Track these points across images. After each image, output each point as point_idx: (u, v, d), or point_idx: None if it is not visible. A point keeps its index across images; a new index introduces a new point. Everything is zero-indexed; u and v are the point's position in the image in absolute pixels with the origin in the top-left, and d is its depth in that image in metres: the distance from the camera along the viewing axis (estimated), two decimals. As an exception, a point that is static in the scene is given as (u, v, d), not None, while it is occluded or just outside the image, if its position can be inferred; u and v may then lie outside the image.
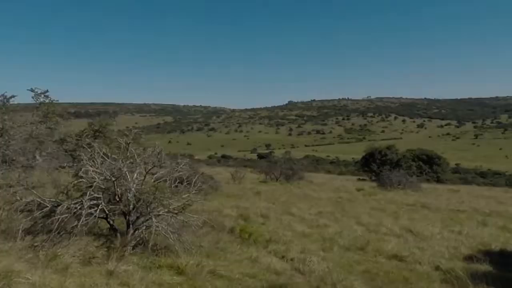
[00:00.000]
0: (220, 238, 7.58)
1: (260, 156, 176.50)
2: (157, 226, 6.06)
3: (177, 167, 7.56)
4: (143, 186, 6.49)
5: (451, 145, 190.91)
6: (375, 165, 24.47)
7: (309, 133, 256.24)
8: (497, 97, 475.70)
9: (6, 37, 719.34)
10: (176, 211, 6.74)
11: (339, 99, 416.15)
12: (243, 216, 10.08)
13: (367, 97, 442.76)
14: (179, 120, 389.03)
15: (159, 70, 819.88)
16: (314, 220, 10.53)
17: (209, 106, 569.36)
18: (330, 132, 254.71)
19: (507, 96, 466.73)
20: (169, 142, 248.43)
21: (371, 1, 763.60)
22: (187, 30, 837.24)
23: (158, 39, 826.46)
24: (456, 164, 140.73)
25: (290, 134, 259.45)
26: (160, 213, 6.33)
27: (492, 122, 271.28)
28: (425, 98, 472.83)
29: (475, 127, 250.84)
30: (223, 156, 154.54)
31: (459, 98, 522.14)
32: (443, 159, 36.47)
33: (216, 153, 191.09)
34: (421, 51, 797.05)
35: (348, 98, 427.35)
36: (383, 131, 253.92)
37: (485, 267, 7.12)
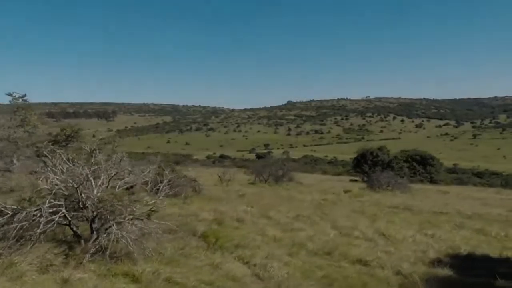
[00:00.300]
0: (186, 244, 7.65)
1: (258, 156, 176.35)
2: (117, 233, 6.13)
3: (143, 173, 7.59)
4: (105, 193, 6.55)
5: (449, 145, 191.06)
6: (367, 166, 24.54)
7: (307, 133, 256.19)
8: (495, 97, 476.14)
9: (4, 37, 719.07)
10: (141, 218, 6.79)
11: (338, 99, 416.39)
12: (218, 221, 10.15)
13: (366, 97, 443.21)
14: (178, 120, 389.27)
15: (159, 70, 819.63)
16: (289, 224, 10.62)
17: (208, 106, 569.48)
18: (329, 132, 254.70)
19: (506, 96, 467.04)
20: (168, 142, 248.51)
21: (371, 1, 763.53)
22: (187, 30, 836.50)
23: (158, 39, 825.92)
24: (454, 164, 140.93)
25: (288, 134, 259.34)
26: (122, 220, 6.38)
27: (490, 122, 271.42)
28: (423, 98, 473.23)
29: (473, 127, 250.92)
30: (221, 156, 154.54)
31: (458, 98, 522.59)
32: (436, 160, 36.63)
33: (214, 153, 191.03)
34: (420, 51, 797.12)
35: (347, 98, 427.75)
36: (381, 131, 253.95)
37: (445, 271, 7.21)
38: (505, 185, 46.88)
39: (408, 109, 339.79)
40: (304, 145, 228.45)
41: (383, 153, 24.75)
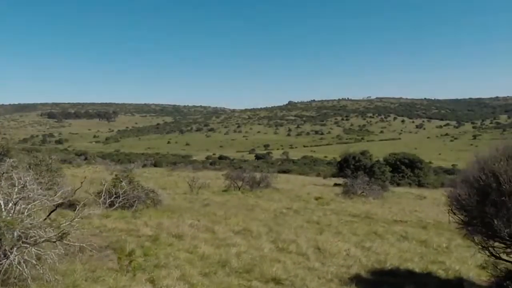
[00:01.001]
0: (103, 265, 7.75)
1: (258, 157, 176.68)
2: (14, 258, 6.24)
3: (54, 195, 7.71)
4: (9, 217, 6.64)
5: (449, 145, 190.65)
6: (349, 171, 24.64)
7: (308, 133, 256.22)
8: (497, 97, 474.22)
9: (5, 37, 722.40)
10: (52, 240, 6.89)
11: (338, 99, 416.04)
12: (154, 237, 10.26)
13: (367, 97, 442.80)
14: (179, 120, 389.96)
15: (160, 70, 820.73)
16: (228, 239, 10.73)
17: (209, 107, 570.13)
18: (329, 132, 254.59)
19: (507, 96, 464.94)
20: (168, 142, 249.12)
21: (372, 1, 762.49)
22: (190, 30, 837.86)
23: (160, 38, 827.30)
24: (452, 165, 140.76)
25: (289, 135, 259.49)
26: (22, 243, 6.48)
27: (491, 123, 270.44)
28: (424, 98, 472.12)
29: (474, 127, 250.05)
30: (220, 157, 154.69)
31: (459, 98, 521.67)
32: (425, 163, 36.73)
33: (214, 154, 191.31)
34: (422, 51, 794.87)
35: (348, 98, 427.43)
36: (382, 132, 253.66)
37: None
38: None
39: (409, 109, 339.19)
40: (304, 146, 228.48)
41: (365, 158, 24.87)
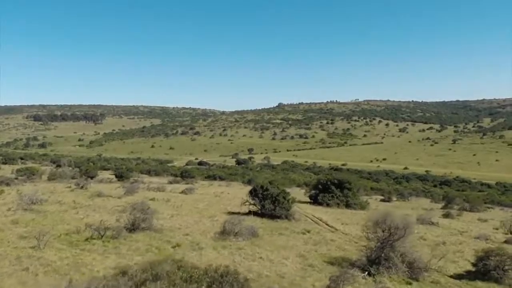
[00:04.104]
0: None
1: (239, 162, 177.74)
2: None
3: None
4: None
5: (428, 150, 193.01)
6: (258, 199, 25.59)
7: (292, 137, 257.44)
8: (483, 99, 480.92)
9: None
10: None
11: (326, 102, 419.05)
12: None
13: (355, 99, 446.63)
14: (167, 122, 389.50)
15: (149, 72, 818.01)
16: None
17: (198, 109, 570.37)
18: (313, 136, 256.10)
19: (493, 99, 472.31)
20: (152, 146, 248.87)
21: (361, 4, 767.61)
22: (180, 32, 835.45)
23: (150, 40, 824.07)
24: (425, 171, 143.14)
25: (273, 139, 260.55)
26: None
27: (473, 126, 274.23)
28: (412, 100, 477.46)
29: (455, 131, 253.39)
30: (200, 163, 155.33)
31: (446, 100, 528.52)
32: (353, 184, 37.89)
33: (197, 158, 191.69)
34: (411, 54, 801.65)
35: (336, 101, 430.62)
36: (365, 136, 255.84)
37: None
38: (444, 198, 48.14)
39: (394, 112, 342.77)
40: (288, 150, 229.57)
41: (272, 187, 25.76)
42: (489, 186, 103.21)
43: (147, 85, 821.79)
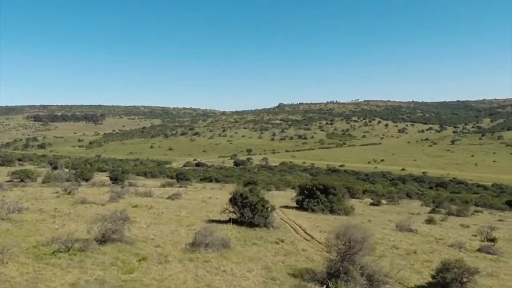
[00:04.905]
0: None
1: (237, 164, 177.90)
2: None
3: None
4: None
5: (426, 151, 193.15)
6: (237, 208, 25.79)
7: (291, 138, 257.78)
8: (484, 99, 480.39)
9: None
10: None
11: (326, 102, 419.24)
12: None
13: (355, 100, 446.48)
14: (167, 122, 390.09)
15: (149, 73, 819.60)
16: None
17: (199, 109, 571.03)
18: (312, 137, 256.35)
19: (494, 99, 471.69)
20: (151, 147, 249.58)
21: (361, 5, 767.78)
22: (182, 32, 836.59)
23: (150, 40, 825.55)
24: (423, 173, 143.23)
25: (272, 139, 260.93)
26: None
27: (473, 127, 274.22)
28: (412, 101, 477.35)
29: (454, 132, 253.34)
30: (197, 165, 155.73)
31: (447, 101, 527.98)
32: (339, 189, 38.08)
33: (195, 159, 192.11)
34: (410, 54, 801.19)
35: (336, 101, 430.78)
36: (364, 136, 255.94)
37: None
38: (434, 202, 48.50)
39: (394, 113, 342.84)
40: (287, 150, 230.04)
41: (252, 195, 25.98)
42: (485, 187, 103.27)
43: (147, 85, 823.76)
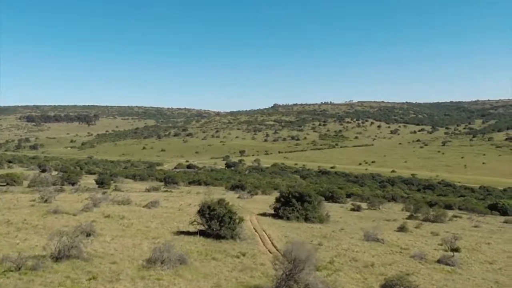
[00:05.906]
0: None
1: (228, 165, 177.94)
2: None
3: None
4: None
5: (417, 152, 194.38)
6: (205, 219, 25.95)
7: (284, 139, 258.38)
8: (477, 100, 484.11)
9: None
10: None
11: (320, 103, 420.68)
12: None
13: (349, 101, 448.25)
14: (161, 123, 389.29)
15: (144, 73, 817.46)
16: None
17: (193, 109, 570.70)
18: (305, 138, 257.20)
19: (487, 100, 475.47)
20: (143, 148, 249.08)
21: (356, 6, 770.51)
22: (177, 32, 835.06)
23: (145, 41, 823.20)
24: (412, 175, 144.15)
25: (266, 140, 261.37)
26: None
27: (464, 128, 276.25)
28: (406, 102, 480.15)
29: (446, 133, 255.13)
30: (188, 167, 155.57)
31: (440, 101, 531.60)
32: (314, 197, 38.36)
33: (187, 161, 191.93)
34: (404, 55, 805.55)
35: (330, 102, 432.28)
36: (356, 137, 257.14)
37: None
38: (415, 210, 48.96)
39: (387, 114, 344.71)
40: (279, 152, 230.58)
41: (220, 207, 26.21)
42: (472, 190, 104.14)
43: (141, 85, 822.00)
